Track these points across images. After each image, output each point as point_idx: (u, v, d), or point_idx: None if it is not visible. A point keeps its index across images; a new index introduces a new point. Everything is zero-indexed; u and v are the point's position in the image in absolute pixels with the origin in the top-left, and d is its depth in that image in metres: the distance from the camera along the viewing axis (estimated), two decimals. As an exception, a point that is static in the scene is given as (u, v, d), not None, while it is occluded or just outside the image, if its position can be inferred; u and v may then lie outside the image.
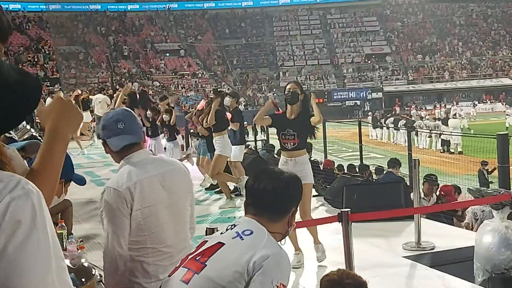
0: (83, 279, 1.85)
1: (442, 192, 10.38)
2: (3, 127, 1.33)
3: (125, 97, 13.43)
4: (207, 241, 2.76)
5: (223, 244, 2.65)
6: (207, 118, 10.26)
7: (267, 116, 6.96)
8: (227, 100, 10.37)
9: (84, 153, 17.35)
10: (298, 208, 5.67)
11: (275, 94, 14.11)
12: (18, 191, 1.30)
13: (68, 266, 1.87)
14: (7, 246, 1.26)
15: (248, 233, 2.66)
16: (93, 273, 1.94)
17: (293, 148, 6.61)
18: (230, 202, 10.13)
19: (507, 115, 39.27)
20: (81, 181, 3.16)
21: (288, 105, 6.70)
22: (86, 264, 1.94)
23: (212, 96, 10.79)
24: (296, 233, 6.48)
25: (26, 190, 1.31)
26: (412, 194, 7.89)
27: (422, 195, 11.06)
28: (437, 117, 38.09)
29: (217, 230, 2.96)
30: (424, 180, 11.40)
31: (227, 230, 2.77)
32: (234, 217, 9.36)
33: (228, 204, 10.08)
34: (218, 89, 11.37)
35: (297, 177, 2.87)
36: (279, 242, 2.69)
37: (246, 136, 14.53)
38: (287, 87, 6.72)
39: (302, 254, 6.58)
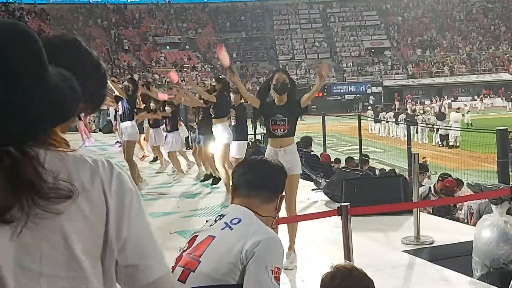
0: None
1: (446, 184, 10.41)
2: (52, 121, 1.43)
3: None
4: (197, 235, 2.75)
5: (214, 237, 2.64)
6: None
7: (255, 98, 6.79)
8: (232, 96, 10.30)
9: (86, 145, 17.26)
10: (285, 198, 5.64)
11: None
12: (117, 167, 1.52)
13: None
14: (130, 211, 1.50)
15: (236, 221, 2.66)
16: None
17: (283, 135, 6.45)
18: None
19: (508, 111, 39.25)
20: None
21: (276, 94, 6.54)
22: None
23: (214, 84, 10.69)
24: (296, 230, 6.39)
25: (114, 165, 1.52)
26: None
27: (433, 191, 11.06)
28: (435, 111, 38.10)
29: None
30: (439, 178, 11.41)
31: (216, 221, 2.76)
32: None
33: (229, 199, 9.88)
34: (220, 76, 11.21)
35: (283, 168, 3.02)
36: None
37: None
38: (276, 76, 6.51)
39: (295, 254, 6.39)
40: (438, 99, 48.56)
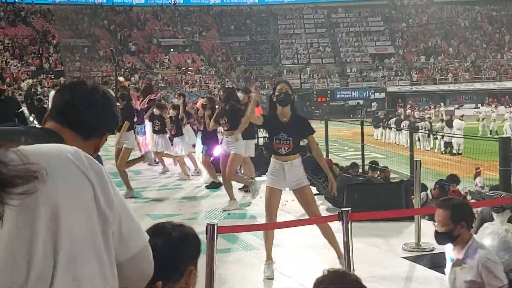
0: None
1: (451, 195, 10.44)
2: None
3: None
4: None
5: None
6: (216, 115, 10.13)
7: (258, 116, 6.74)
8: (240, 96, 10.27)
9: None
10: (308, 212, 5.68)
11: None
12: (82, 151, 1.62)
13: None
14: (109, 182, 1.60)
15: None
16: None
17: (287, 153, 6.31)
18: (233, 203, 9.79)
19: (504, 119, 39.09)
20: None
21: (279, 106, 6.38)
22: None
23: (222, 94, 10.61)
24: (272, 238, 6.34)
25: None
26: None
27: (430, 197, 11.08)
28: (440, 118, 38.04)
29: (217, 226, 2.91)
30: (436, 186, 11.44)
31: None
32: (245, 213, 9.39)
33: (231, 206, 9.73)
34: (226, 86, 11.15)
35: (189, 235, 2.43)
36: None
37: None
38: (278, 87, 6.36)
39: (273, 263, 6.32)
40: (433, 106, 48.76)
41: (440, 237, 4.30)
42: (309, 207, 6.32)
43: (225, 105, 9.94)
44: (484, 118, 38.16)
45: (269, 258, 6.32)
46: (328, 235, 6.29)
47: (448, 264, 4.44)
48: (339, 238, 5.37)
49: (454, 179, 12.64)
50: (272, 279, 6.21)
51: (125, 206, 1.64)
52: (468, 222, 4.23)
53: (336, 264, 5.72)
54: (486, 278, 4.02)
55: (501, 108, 53.18)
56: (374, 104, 53.95)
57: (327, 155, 16.26)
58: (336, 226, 5.53)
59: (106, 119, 2.13)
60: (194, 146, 13.67)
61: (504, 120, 38.44)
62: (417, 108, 48.28)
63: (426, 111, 46.26)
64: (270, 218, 6.38)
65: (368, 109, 52.82)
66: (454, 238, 4.22)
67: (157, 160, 14.12)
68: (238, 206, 9.84)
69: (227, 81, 56.20)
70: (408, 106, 50.35)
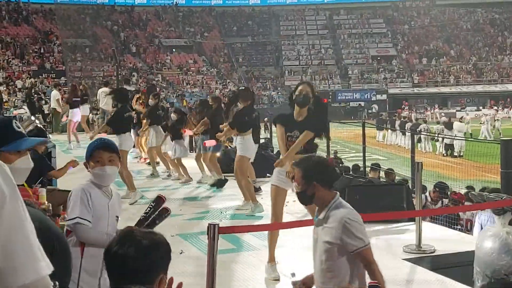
0: None
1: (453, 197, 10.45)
2: None
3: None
4: None
5: None
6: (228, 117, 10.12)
7: (278, 125, 6.42)
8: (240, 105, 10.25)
9: (80, 146, 16.97)
10: (312, 214, 5.56)
11: (279, 93, 14.04)
12: None
13: None
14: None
15: None
16: None
17: (298, 152, 6.13)
18: (247, 204, 9.64)
19: (496, 119, 38.99)
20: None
21: (297, 106, 6.30)
22: None
23: (231, 96, 10.52)
24: (276, 238, 6.31)
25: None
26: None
27: (429, 200, 11.09)
28: (437, 121, 38.04)
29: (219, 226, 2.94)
30: (435, 189, 11.45)
31: None
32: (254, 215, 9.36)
33: (245, 206, 9.62)
34: (240, 88, 11.09)
35: (160, 243, 2.50)
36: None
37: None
38: (299, 88, 6.29)
39: (277, 263, 6.27)
40: (429, 108, 48.84)
41: (299, 197, 4.22)
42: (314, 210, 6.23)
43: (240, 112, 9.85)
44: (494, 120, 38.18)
45: (272, 259, 6.28)
46: None
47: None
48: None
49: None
50: (278, 280, 6.18)
51: (21, 224, 1.54)
52: (322, 182, 4.05)
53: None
54: (345, 238, 3.85)
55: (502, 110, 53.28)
56: (373, 105, 53.94)
57: (327, 155, 16.24)
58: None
59: None
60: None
61: (481, 123, 38.31)
62: (414, 110, 48.40)
63: (422, 113, 46.35)
64: (276, 218, 6.30)
65: (369, 111, 52.83)
66: (311, 198, 4.10)
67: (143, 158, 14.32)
68: (257, 210, 9.44)
69: (228, 82, 56.23)
70: (406, 108, 50.49)
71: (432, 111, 50.24)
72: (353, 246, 3.87)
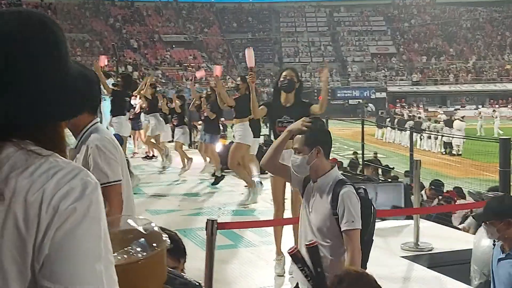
0: (154, 244, 1.88)
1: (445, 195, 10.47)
2: (72, 112, 1.42)
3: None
4: None
5: None
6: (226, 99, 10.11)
7: (262, 106, 6.52)
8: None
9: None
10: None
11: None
12: (77, 181, 1.34)
13: (139, 231, 1.89)
14: (58, 230, 1.30)
15: None
16: (163, 238, 1.95)
17: (290, 138, 6.29)
18: (252, 191, 9.65)
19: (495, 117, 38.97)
20: None
21: (283, 92, 6.30)
22: (156, 229, 1.97)
23: (239, 83, 10.51)
24: (281, 231, 6.28)
25: (84, 181, 1.35)
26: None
27: (425, 198, 11.10)
28: (436, 119, 38.03)
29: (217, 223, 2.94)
30: (431, 187, 11.46)
31: None
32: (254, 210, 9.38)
33: (252, 194, 9.64)
34: (246, 77, 11.10)
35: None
36: None
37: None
38: (283, 73, 6.30)
39: (284, 257, 6.19)
40: (421, 106, 48.88)
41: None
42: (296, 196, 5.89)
43: (243, 95, 9.88)
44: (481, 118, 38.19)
45: (279, 253, 6.25)
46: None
47: None
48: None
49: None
50: (282, 276, 6.16)
51: (71, 257, 1.32)
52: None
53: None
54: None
55: (503, 110, 53.33)
56: (370, 104, 53.91)
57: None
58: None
59: None
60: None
61: (480, 118, 38.43)
62: (406, 107, 48.47)
63: (412, 110, 46.38)
64: (278, 207, 6.28)
65: (369, 110, 52.80)
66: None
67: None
68: (256, 200, 9.57)
69: (228, 78, 56.17)
70: (398, 105, 50.63)
71: (421, 108, 50.23)
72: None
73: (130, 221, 2.01)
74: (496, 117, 39.16)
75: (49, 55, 1.39)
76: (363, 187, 4.26)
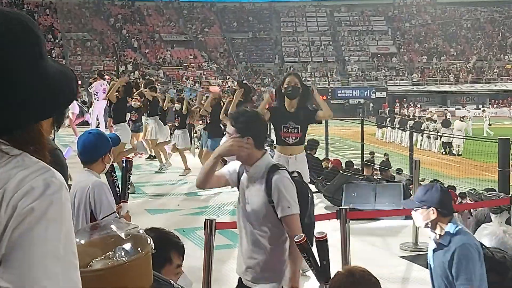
0: (138, 248, 1.88)
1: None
2: (50, 111, 1.40)
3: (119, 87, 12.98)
4: None
5: None
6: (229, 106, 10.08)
7: (266, 110, 6.55)
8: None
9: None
10: None
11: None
12: (39, 181, 1.32)
13: (119, 236, 1.88)
14: (15, 230, 1.28)
15: None
16: (148, 241, 1.96)
17: (295, 143, 6.29)
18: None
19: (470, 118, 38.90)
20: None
21: (287, 99, 6.36)
22: (140, 232, 1.96)
23: (236, 88, 10.52)
24: None
25: (47, 181, 1.33)
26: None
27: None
28: (432, 119, 38.03)
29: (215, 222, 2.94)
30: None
31: None
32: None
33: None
34: (243, 81, 11.09)
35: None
36: None
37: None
38: (287, 80, 6.36)
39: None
40: (419, 106, 48.92)
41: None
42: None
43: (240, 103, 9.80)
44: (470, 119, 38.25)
45: None
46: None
47: None
48: (337, 237, 5.37)
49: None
50: None
51: (30, 256, 1.29)
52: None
53: (334, 262, 5.72)
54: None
55: (503, 110, 53.37)
56: (370, 104, 53.91)
57: (327, 154, 16.26)
58: (334, 225, 5.53)
59: None
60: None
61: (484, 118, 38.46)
62: (405, 107, 48.50)
63: (409, 110, 46.45)
64: None
65: (369, 109, 52.80)
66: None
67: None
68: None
69: (228, 78, 56.19)
70: (397, 105, 50.64)
71: (419, 108, 50.26)
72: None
73: (113, 226, 2.01)
74: (485, 117, 39.18)
75: (28, 56, 1.36)
76: (297, 170, 4.18)
